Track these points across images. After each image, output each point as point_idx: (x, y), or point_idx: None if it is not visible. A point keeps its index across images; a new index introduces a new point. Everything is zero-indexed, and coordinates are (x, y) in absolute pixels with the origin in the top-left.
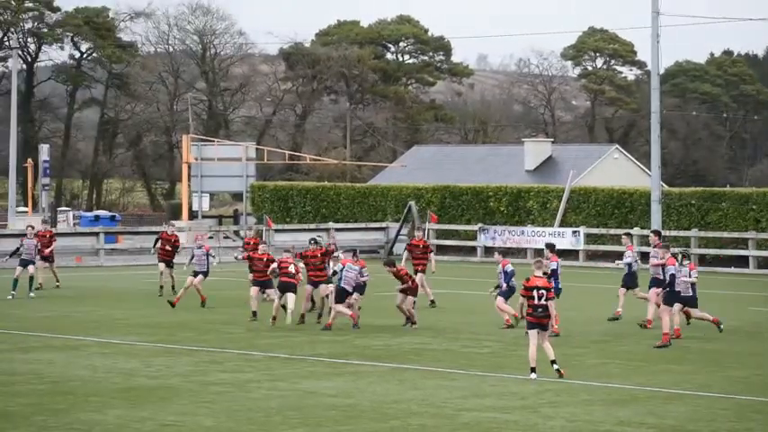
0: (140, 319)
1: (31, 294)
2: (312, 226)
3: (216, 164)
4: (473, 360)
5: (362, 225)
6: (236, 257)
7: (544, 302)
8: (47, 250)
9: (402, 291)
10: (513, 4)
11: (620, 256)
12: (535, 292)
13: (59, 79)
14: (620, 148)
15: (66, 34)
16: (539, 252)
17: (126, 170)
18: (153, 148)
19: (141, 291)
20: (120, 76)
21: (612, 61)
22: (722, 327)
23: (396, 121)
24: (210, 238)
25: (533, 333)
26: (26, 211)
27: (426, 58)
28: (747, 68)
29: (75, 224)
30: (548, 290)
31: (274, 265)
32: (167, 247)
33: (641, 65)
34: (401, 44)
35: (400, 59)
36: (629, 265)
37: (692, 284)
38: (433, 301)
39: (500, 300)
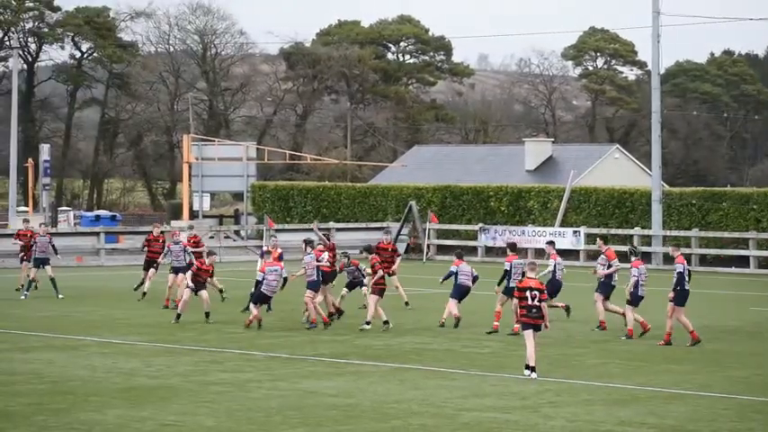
0: (141, 319)
1: (60, 296)
2: (312, 226)
3: (216, 164)
4: (474, 360)
5: (363, 225)
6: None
7: (537, 303)
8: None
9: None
10: (514, 4)
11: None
12: (528, 293)
13: (60, 79)
14: (621, 148)
15: (66, 34)
16: (540, 252)
17: (126, 170)
18: (153, 148)
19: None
20: (120, 75)
21: (613, 61)
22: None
23: (396, 120)
24: (211, 237)
25: (529, 333)
26: (27, 211)
27: (427, 57)
28: (748, 68)
29: (75, 224)
30: (541, 291)
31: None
32: (155, 249)
33: (642, 65)
34: (402, 44)
35: (401, 59)
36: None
37: (636, 282)
38: (407, 303)
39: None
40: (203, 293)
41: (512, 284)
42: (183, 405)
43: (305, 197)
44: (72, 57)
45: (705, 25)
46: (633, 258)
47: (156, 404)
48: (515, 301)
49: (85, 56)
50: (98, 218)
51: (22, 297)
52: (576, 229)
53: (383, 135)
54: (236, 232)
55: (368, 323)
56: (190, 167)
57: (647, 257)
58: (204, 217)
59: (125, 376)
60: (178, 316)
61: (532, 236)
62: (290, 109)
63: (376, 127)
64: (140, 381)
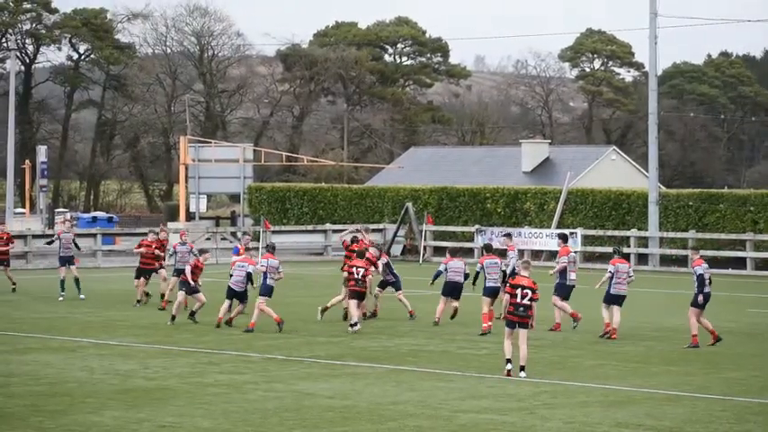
0: (138, 321)
1: (82, 296)
2: (309, 227)
3: (213, 165)
4: (470, 361)
5: (360, 227)
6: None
7: (527, 302)
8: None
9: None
10: (511, 6)
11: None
12: (519, 291)
13: (57, 81)
14: (618, 150)
15: (63, 36)
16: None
17: (123, 171)
18: (150, 150)
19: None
20: (117, 77)
21: (610, 63)
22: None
23: (393, 122)
24: (208, 239)
25: (510, 331)
26: (24, 213)
27: (424, 59)
28: (745, 70)
29: (72, 225)
30: (533, 290)
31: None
32: (154, 252)
33: (639, 66)
34: (399, 46)
35: (398, 61)
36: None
37: (609, 279)
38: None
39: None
40: (200, 295)
41: (488, 284)
42: (180, 407)
43: (301, 199)
44: (69, 58)
45: (702, 27)
46: (615, 257)
47: (153, 406)
48: (506, 296)
49: (83, 57)
50: (95, 219)
51: (82, 297)
52: (572, 230)
53: (380, 137)
54: (233, 234)
55: (353, 324)
56: (186, 169)
57: (643, 259)
58: (201, 219)
59: (122, 378)
60: (173, 318)
61: (529, 237)
62: (286, 110)
63: (373, 128)
64: (137, 382)
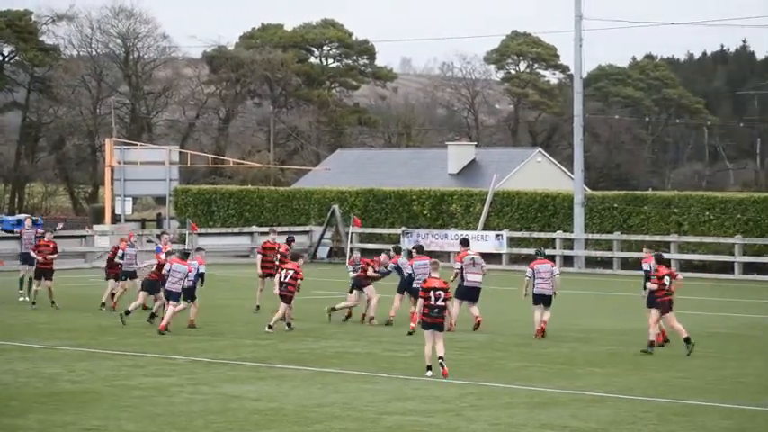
0: (62, 324)
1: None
2: (236, 230)
3: (139, 167)
4: (395, 363)
5: (286, 229)
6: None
7: (441, 303)
8: None
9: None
10: (436, 8)
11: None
12: (432, 293)
13: None
14: (544, 152)
15: None
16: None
17: (48, 174)
18: (76, 152)
19: (64, 294)
20: (42, 79)
21: (535, 65)
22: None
23: (319, 124)
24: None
25: (429, 333)
26: None
27: (350, 61)
28: (669, 72)
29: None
30: (445, 290)
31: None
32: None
33: (564, 69)
34: (325, 48)
35: (324, 63)
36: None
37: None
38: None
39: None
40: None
41: (415, 285)
42: (106, 410)
43: (228, 201)
44: None
45: (627, 30)
46: (537, 258)
47: (79, 409)
48: (420, 301)
49: (7, 59)
50: (20, 222)
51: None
52: (498, 232)
53: (306, 139)
54: (158, 236)
55: (269, 327)
56: (112, 171)
57: (569, 261)
58: (126, 221)
59: (47, 381)
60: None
61: (455, 239)
62: (212, 113)
63: (299, 131)
64: (62, 385)
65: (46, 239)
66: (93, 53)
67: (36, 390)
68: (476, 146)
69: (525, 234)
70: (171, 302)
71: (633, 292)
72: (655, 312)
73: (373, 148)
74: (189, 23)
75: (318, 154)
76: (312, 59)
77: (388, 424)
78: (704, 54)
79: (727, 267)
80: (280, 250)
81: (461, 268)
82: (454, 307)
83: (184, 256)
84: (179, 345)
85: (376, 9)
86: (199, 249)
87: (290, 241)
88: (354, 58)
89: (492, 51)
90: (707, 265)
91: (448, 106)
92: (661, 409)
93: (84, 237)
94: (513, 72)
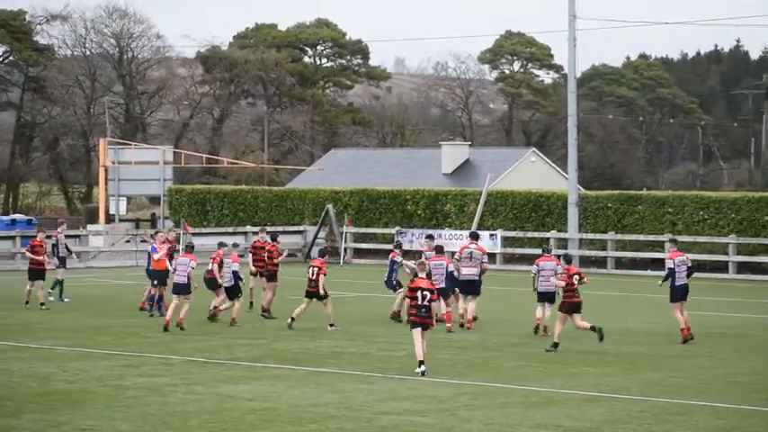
0: (58, 323)
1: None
2: (230, 229)
3: (133, 167)
4: (390, 363)
5: (280, 228)
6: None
7: (427, 303)
8: None
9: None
10: (431, 8)
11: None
12: (419, 293)
13: None
14: (538, 152)
15: None
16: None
17: (43, 174)
18: (70, 152)
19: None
20: (36, 79)
21: (530, 65)
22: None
23: (313, 124)
24: (128, 241)
25: (417, 332)
26: None
27: (344, 61)
28: (663, 72)
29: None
30: (431, 291)
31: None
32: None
33: (558, 68)
34: (319, 48)
35: (318, 63)
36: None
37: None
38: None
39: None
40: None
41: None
42: (100, 410)
43: (222, 201)
44: None
45: (621, 29)
46: (542, 255)
47: (73, 409)
48: (407, 300)
49: (1, 59)
50: (14, 222)
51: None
52: (492, 232)
53: (300, 139)
54: (152, 236)
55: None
56: (106, 171)
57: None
58: (121, 221)
59: (42, 381)
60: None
61: (449, 239)
62: (206, 112)
63: (293, 130)
64: (57, 385)
65: (38, 239)
66: (88, 53)
67: (30, 389)
68: (470, 145)
69: (519, 234)
70: (181, 296)
71: (626, 291)
72: (561, 315)
73: (367, 148)
74: (183, 23)
75: (312, 154)
76: (306, 59)
77: (383, 424)
78: (698, 54)
79: (721, 267)
80: (268, 249)
81: (458, 260)
82: (459, 301)
83: (189, 249)
84: (174, 345)
85: (370, 9)
86: (235, 245)
87: (273, 238)
88: (348, 57)
89: (486, 51)
90: (701, 264)
91: (442, 106)
92: (655, 409)
93: (78, 236)
94: (507, 72)
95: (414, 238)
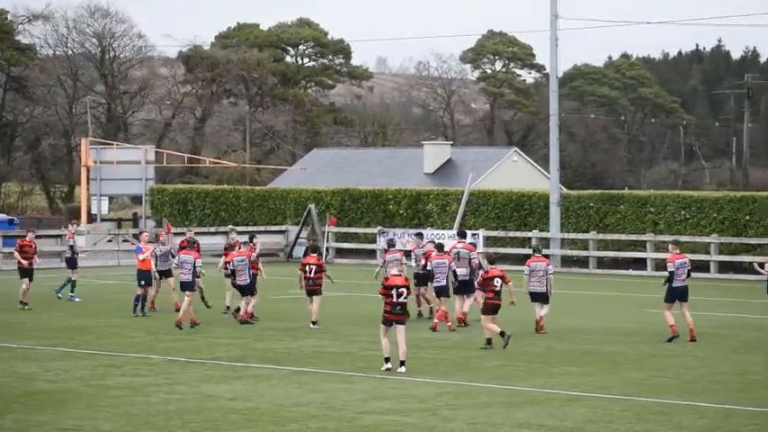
0: (39, 323)
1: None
2: (212, 229)
3: (115, 167)
4: (372, 363)
5: (262, 228)
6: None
7: (403, 300)
8: None
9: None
10: (412, 7)
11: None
12: (394, 291)
13: None
14: (519, 151)
15: None
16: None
17: (24, 173)
18: (52, 152)
19: (40, 294)
20: (18, 78)
21: (511, 64)
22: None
23: (295, 124)
24: (110, 241)
25: (386, 329)
26: None
27: (326, 61)
28: (645, 72)
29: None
30: (407, 288)
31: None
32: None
33: (540, 68)
34: (300, 47)
35: (300, 62)
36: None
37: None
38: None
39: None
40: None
41: (437, 284)
42: (82, 409)
43: (204, 200)
44: None
45: (603, 29)
46: (533, 255)
47: (55, 408)
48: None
49: None
50: (11, 222)
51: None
52: (474, 231)
53: (282, 138)
54: (135, 236)
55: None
56: (88, 171)
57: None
58: (103, 220)
59: (23, 381)
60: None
61: (431, 239)
62: (188, 112)
63: (275, 130)
64: (39, 385)
65: (27, 239)
66: (69, 53)
67: (12, 390)
68: (452, 145)
69: (501, 233)
70: (187, 293)
71: (608, 290)
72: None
73: (349, 148)
74: (164, 23)
75: (294, 153)
76: (288, 59)
77: (365, 423)
78: (680, 53)
79: (702, 266)
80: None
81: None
82: (456, 302)
83: (193, 245)
84: (155, 345)
85: (351, 8)
86: (248, 241)
87: (251, 239)
88: (330, 57)
89: (468, 51)
90: None
91: (424, 105)
92: (638, 408)
93: (59, 236)
94: (488, 71)
95: (396, 238)
